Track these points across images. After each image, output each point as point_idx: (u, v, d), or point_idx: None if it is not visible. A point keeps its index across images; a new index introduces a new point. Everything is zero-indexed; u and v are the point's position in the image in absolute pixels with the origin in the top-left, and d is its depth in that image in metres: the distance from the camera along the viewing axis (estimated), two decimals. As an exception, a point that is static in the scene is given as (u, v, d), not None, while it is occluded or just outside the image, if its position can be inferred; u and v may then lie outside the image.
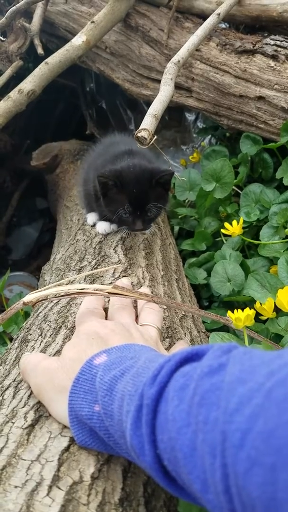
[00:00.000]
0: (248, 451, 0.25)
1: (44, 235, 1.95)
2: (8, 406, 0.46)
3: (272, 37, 1.03)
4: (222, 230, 0.92)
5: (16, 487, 0.35)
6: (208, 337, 0.71)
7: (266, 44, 1.02)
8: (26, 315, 0.92)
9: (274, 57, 0.99)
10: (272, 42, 1.01)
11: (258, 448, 0.24)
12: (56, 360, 0.45)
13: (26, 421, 0.42)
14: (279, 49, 1.00)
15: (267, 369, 0.28)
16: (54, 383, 0.43)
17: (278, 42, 1.01)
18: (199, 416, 0.29)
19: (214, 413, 0.28)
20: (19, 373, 0.51)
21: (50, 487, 0.35)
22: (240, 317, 0.57)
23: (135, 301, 0.61)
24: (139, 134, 0.74)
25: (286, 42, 1.01)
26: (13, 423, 0.42)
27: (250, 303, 0.80)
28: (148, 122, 0.76)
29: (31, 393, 0.46)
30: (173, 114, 1.52)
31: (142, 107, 1.58)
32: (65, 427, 0.42)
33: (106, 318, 0.56)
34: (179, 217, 1.16)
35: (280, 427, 0.24)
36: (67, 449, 0.39)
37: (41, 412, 0.44)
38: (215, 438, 0.27)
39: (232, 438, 0.26)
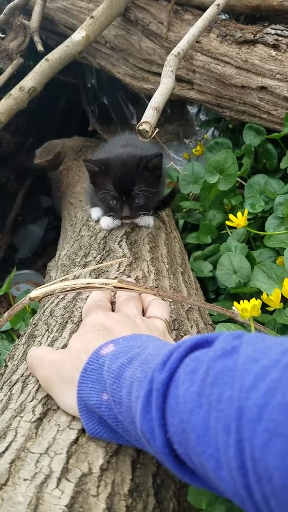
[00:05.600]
0: (266, 423, 0.25)
1: (50, 233, 1.95)
2: (16, 401, 0.46)
3: (273, 26, 1.02)
4: (227, 222, 0.92)
5: (25, 480, 0.35)
6: (214, 329, 0.71)
7: (267, 33, 1.01)
8: (34, 312, 0.92)
9: (275, 47, 0.98)
10: (273, 32, 1.00)
11: (277, 420, 0.25)
12: (62, 352, 0.45)
13: (34, 415, 0.43)
14: (280, 38, 0.99)
15: (281, 348, 0.28)
16: (61, 374, 0.43)
17: (279, 31, 1.00)
18: (212, 395, 0.29)
19: (228, 392, 0.28)
20: (27, 368, 0.51)
21: (59, 479, 0.35)
22: (246, 308, 0.57)
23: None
24: (140, 127, 0.73)
25: (287, 31, 1.00)
26: (22, 417, 0.43)
27: (257, 294, 0.79)
28: (150, 115, 0.75)
29: (39, 387, 0.46)
30: (175, 107, 1.51)
31: (144, 102, 1.57)
32: (73, 419, 0.42)
33: (113, 311, 0.56)
34: (184, 210, 1.16)
35: None
36: (75, 441, 0.39)
37: (49, 406, 0.44)
38: (230, 415, 0.28)
39: (249, 413, 0.26)
